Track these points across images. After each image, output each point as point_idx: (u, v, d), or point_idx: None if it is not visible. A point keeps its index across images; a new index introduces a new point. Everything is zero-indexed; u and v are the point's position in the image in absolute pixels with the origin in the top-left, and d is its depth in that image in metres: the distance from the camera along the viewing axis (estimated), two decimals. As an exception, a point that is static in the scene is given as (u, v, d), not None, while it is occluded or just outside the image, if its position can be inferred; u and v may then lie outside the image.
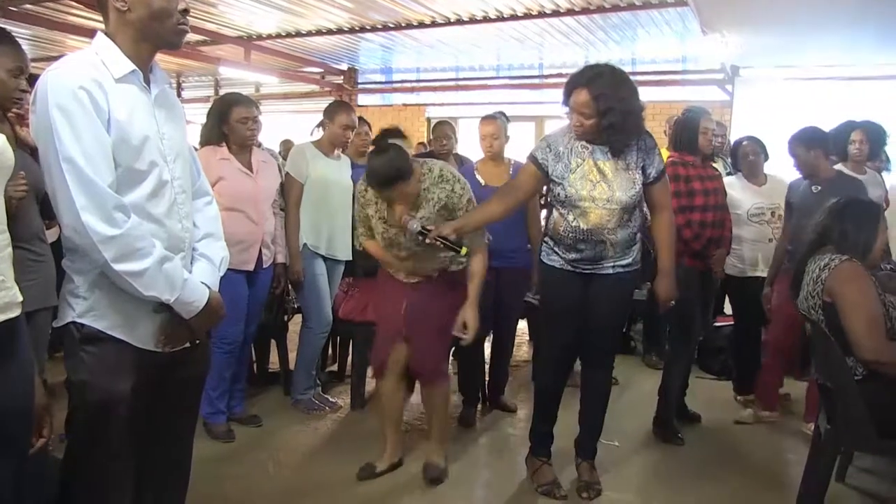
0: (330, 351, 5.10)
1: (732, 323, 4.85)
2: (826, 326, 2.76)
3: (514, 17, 7.98)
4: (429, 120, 11.46)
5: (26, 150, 2.74)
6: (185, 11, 1.86)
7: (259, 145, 4.29)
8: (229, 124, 3.66)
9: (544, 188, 3.50)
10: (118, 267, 1.72)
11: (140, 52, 1.85)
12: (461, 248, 3.07)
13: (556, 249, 3.19)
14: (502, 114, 4.38)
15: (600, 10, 7.56)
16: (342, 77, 11.64)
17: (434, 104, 11.47)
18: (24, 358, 1.70)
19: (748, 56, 8.66)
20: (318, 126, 4.30)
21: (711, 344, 5.09)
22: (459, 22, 8.28)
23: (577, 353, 3.38)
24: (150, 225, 1.83)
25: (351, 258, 4.31)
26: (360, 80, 11.87)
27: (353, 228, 3.77)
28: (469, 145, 11.06)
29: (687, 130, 3.88)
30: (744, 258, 4.42)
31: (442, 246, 3.05)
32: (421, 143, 9.78)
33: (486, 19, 8.13)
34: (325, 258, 4.18)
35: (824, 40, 7.47)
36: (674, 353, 4.03)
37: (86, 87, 1.72)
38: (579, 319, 3.17)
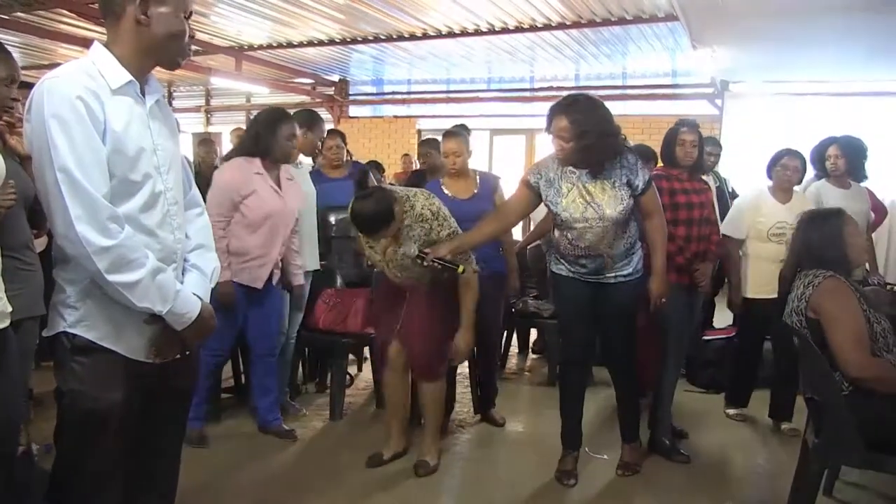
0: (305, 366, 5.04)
1: (726, 336, 4.85)
2: (812, 341, 2.78)
3: (505, 31, 8.03)
4: (419, 132, 11.50)
5: (15, 159, 2.74)
6: (191, 37, 1.92)
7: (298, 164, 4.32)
8: (277, 139, 3.68)
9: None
10: (111, 278, 1.72)
11: (141, 64, 1.86)
12: (458, 267, 3.28)
13: (562, 261, 3.44)
14: (463, 126, 4.44)
15: (591, 24, 7.62)
16: (333, 88, 11.67)
17: (425, 116, 11.51)
18: (12, 368, 1.69)
19: (738, 71, 8.75)
20: None
21: (700, 357, 5.08)
22: (451, 34, 8.33)
23: (593, 352, 3.69)
24: (144, 236, 1.83)
25: (319, 268, 4.34)
26: (351, 92, 11.90)
27: (325, 240, 3.88)
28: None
29: (667, 143, 3.89)
30: (755, 278, 4.26)
31: (440, 267, 3.23)
32: (406, 155, 9.80)
33: (478, 32, 8.18)
34: None
35: (814, 56, 7.55)
36: (662, 368, 4.01)
37: (83, 97, 1.72)
38: (591, 318, 3.44)
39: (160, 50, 1.86)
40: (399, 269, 3.47)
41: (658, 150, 4.20)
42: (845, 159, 4.55)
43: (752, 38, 6.96)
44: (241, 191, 3.58)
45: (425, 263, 3.22)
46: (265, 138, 3.69)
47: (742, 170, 8.31)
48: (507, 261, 4.27)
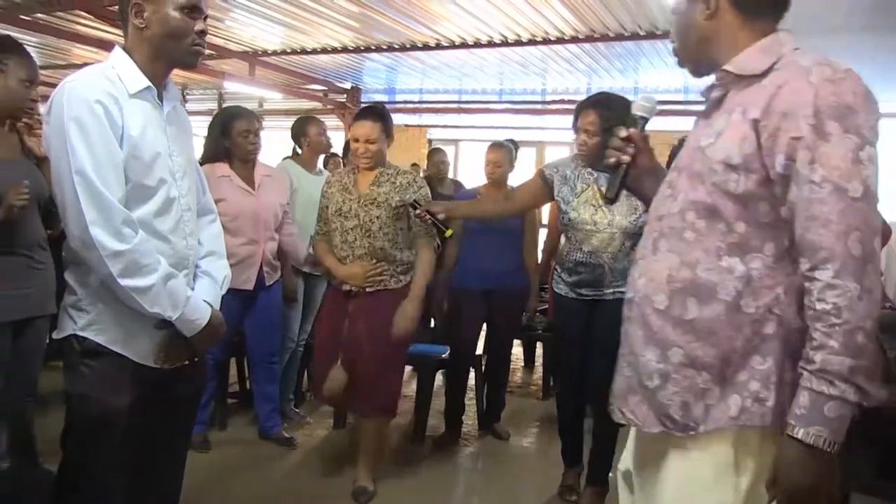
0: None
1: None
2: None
3: (518, 43, 8.03)
4: (430, 141, 11.50)
5: (32, 160, 2.76)
6: (202, 33, 1.89)
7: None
8: (231, 138, 3.64)
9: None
10: (124, 282, 1.72)
11: (155, 70, 1.87)
12: (447, 229, 3.12)
13: (562, 276, 3.35)
14: (511, 141, 4.40)
15: (604, 38, 7.61)
16: (345, 96, 11.68)
17: (436, 126, 11.50)
18: None
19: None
20: (294, 148, 4.40)
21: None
22: (464, 45, 8.33)
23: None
24: (157, 241, 1.83)
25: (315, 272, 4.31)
26: (363, 100, 11.92)
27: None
28: (468, 168, 11.15)
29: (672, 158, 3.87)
30: None
31: (430, 222, 3.08)
32: (415, 165, 9.79)
33: (491, 44, 8.18)
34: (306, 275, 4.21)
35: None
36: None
37: (102, 101, 1.73)
38: (583, 345, 3.28)
39: (164, 50, 1.86)
40: (362, 227, 3.23)
41: (666, 165, 4.18)
42: None
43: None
44: None
45: (417, 212, 3.05)
46: (221, 140, 3.67)
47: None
48: (530, 281, 4.24)
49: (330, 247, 3.36)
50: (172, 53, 1.87)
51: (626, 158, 1.70)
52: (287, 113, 12.34)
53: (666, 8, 6.28)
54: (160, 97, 1.91)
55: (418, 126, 11.62)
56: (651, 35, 7.39)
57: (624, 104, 3.08)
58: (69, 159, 1.70)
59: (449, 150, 11.63)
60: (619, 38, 7.55)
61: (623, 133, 1.70)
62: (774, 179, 1.34)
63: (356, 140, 3.30)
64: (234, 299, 3.58)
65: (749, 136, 1.36)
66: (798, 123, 1.30)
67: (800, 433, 1.27)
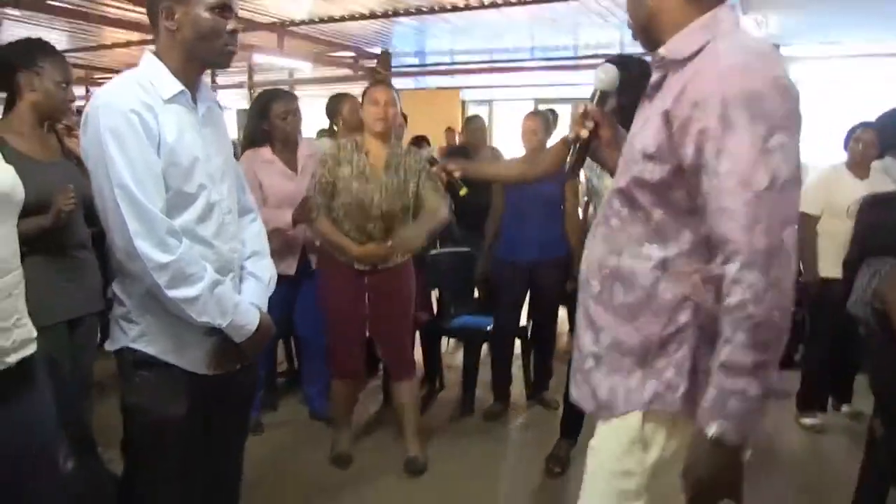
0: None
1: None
2: (881, 333, 2.69)
3: (548, 0, 7.86)
4: (463, 103, 11.36)
5: (73, 161, 2.77)
6: (234, 32, 1.85)
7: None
8: (270, 121, 3.61)
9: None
10: (171, 293, 1.72)
11: (188, 72, 1.85)
12: (462, 188, 3.06)
13: None
14: (551, 111, 4.33)
15: (637, -11, 7.42)
16: (375, 61, 11.58)
17: (468, 87, 11.37)
18: (39, 397, 1.73)
19: (787, 36, 8.48)
20: (331, 124, 4.41)
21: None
22: (493, 5, 8.18)
23: None
24: (201, 247, 1.83)
25: None
26: (393, 64, 11.80)
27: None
28: (503, 129, 11.03)
29: None
30: (834, 257, 3.79)
31: (446, 180, 2.97)
32: (450, 129, 9.66)
33: (521, 2, 8.02)
34: None
35: (868, 16, 7.31)
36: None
37: (137, 111, 1.72)
38: None
39: (196, 52, 1.83)
40: (384, 216, 3.22)
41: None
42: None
43: (802, 2, 6.76)
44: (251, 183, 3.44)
45: (434, 168, 2.98)
46: (259, 124, 3.64)
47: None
48: (572, 248, 4.12)
49: (333, 223, 3.29)
50: (205, 55, 1.85)
51: (584, 133, 1.68)
52: (318, 81, 12.29)
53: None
54: (194, 99, 1.89)
55: (450, 88, 11.48)
56: (686, -16, 7.17)
57: (641, 70, 2.97)
58: (108, 172, 1.69)
59: (483, 111, 11.58)
60: (653, -12, 7.35)
61: (581, 108, 1.70)
62: (687, 170, 1.32)
63: (376, 103, 3.23)
64: (279, 286, 3.59)
65: (661, 127, 1.35)
66: (706, 113, 1.27)
67: (704, 427, 1.28)
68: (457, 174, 2.93)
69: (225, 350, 1.89)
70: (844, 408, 4.18)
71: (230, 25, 1.84)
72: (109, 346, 1.88)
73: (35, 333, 1.72)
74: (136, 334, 1.83)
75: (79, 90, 14.82)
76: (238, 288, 1.97)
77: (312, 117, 9.85)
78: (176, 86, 1.82)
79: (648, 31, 1.47)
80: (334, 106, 4.28)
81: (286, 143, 3.69)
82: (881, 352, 2.73)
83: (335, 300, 3.38)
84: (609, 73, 1.67)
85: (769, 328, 1.24)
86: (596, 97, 1.69)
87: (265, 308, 2.00)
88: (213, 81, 12.52)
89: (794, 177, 1.25)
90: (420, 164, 3.29)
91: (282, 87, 12.61)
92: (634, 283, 1.42)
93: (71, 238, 2.69)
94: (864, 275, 2.79)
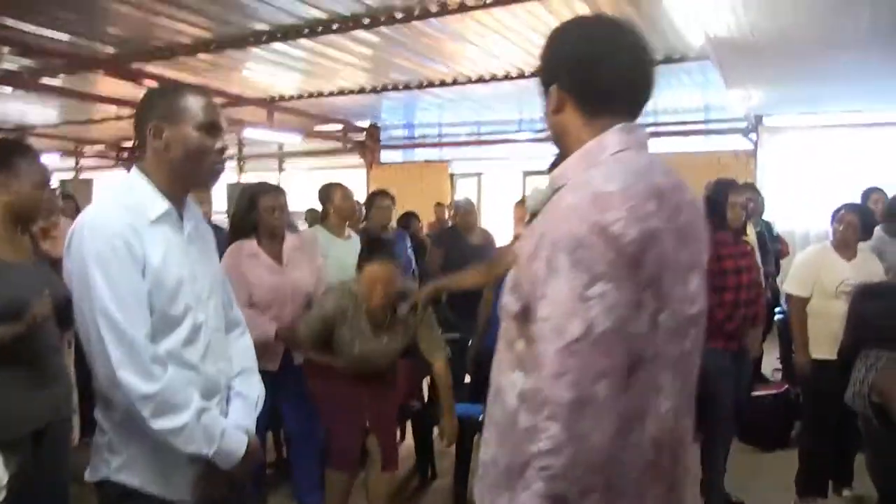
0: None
1: (776, 392, 4.67)
2: (879, 426, 2.66)
3: (535, 75, 7.96)
4: (452, 176, 11.42)
5: (45, 262, 2.70)
6: (222, 150, 1.84)
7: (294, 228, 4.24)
8: (259, 214, 3.59)
9: None
10: (156, 425, 1.67)
11: (175, 190, 1.82)
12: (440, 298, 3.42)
13: None
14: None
15: (622, 65, 7.56)
16: (364, 134, 11.71)
17: (457, 159, 11.45)
18: None
19: (771, 106, 8.64)
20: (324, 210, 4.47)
21: (752, 417, 4.88)
22: (481, 80, 8.32)
23: None
24: (187, 372, 1.77)
25: None
26: (382, 136, 11.91)
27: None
28: (493, 201, 11.07)
29: (715, 205, 3.68)
30: (825, 338, 3.79)
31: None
32: (439, 204, 9.54)
33: (508, 77, 8.16)
34: None
35: (847, 88, 7.48)
36: (712, 438, 3.83)
37: (122, 235, 1.68)
38: None
39: (183, 171, 1.80)
40: (378, 344, 3.35)
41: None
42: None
43: (783, 75, 6.91)
44: (237, 278, 3.35)
45: (420, 303, 3.36)
46: (247, 216, 3.62)
47: (780, 204, 8.23)
48: None
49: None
50: (193, 174, 1.83)
51: None
52: (307, 154, 12.38)
53: (681, 33, 6.22)
54: (180, 215, 1.86)
55: (439, 161, 11.56)
56: (668, 60, 7.32)
57: None
58: (91, 296, 1.65)
59: (472, 183, 11.61)
60: (637, 64, 7.49)
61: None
62: (530, 308, 1.27)
63: (375, 282, 3.22)
64: (263, 379, 3.50)
65: (518, 262, 1.33)
66: (539, 254, 1.23)
67: None
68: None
69: (212, 477, 1.81)
70: (846, 492, 4.09)
71: (218, 144, 1.82)
72: (90, 477, 1.80)
73: (5, 480, 1.65)
74: (118, 465, 1.76)
75: (68, 162, 14.92)
76: (225, 410, 1.91)
77: (300, 190, 9.92)
78: (162, 205, 1.79)
79: (562, 148, 1.43)
80: (325, 195, 4.31)
81: (273, 237, 3.66)
82: (879, 444, 2.70)
83: (331, 392, 3.41)
84: (536, 198, 1.65)
85: (569, 482, 1.18)
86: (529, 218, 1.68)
87: (253, 429, 1.93)
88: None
89: (614, 328, 1.18)
90: (415, 319, 3.43)
91: (270, 159, 12.79)
92: (505, 406, 1.37)
93: (43, 343, 2.55)
94: (859, 368, 2.78)
